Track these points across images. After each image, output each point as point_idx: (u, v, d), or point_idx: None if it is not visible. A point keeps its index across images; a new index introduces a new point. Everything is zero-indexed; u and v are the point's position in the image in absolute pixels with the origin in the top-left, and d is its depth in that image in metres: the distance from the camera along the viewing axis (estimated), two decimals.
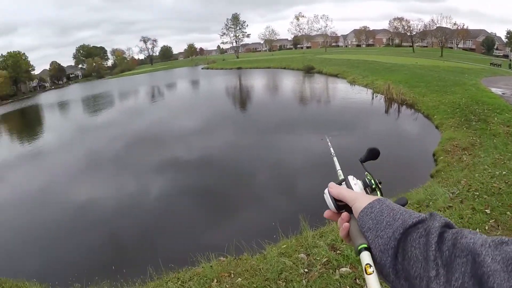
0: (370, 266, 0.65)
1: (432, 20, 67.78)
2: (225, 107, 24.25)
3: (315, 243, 4.71)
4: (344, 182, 0.93)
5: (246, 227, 7.54)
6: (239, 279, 4.21)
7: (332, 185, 0.87)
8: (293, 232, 5.51)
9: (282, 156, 11.98)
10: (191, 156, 13.41)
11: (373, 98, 20.58)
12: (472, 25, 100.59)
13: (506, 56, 61.74)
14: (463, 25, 76.13)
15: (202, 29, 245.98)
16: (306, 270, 4.12)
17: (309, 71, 40.64)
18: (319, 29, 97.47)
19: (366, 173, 0.94)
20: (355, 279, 3.72)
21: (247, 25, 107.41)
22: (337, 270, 3.95)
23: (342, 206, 0.84)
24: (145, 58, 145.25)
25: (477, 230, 4.41)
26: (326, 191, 0.86)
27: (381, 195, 0.88)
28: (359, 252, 0.70)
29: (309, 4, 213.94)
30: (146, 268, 5.26)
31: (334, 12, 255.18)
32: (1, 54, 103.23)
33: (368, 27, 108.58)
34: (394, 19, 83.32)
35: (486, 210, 5.04)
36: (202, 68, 76.08)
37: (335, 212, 0.86)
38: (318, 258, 4.27)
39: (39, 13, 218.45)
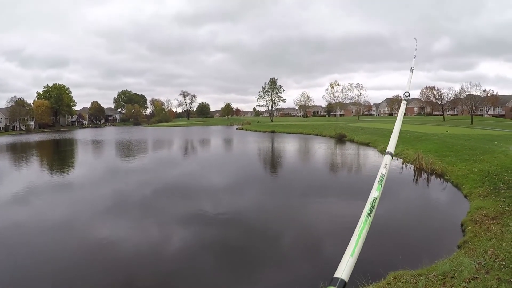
0: None
1: (462, 88, 67.51)
2: (255, 168, 24.50)
3: None
4: None
5: None
6: None
7: None
8: None
9: (307, 222, 11.81)
10: (216, 211, 13.25)
11: (402, 167, 20.45)
12: (501, 91, 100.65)
13: None
14: (492, 92, 76.47)
15: (240, 90, 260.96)
16: None
17: (341, 138, 41.32)
18: (353, 97, 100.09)
19: None
20: None
21: (284, 90, 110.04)
22: None
23: None
24: (182, 111, 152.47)
25: None
26: None
27: None
28: None
29: (344, 73, 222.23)
30: None
31: (367, 81, 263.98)
32: (47, 85, 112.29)
33: (400, 96, 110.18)
34: (426, 88, 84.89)
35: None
36: (236, 128, 78.70)
37: None
38: None
39: (91, 53, 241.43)
